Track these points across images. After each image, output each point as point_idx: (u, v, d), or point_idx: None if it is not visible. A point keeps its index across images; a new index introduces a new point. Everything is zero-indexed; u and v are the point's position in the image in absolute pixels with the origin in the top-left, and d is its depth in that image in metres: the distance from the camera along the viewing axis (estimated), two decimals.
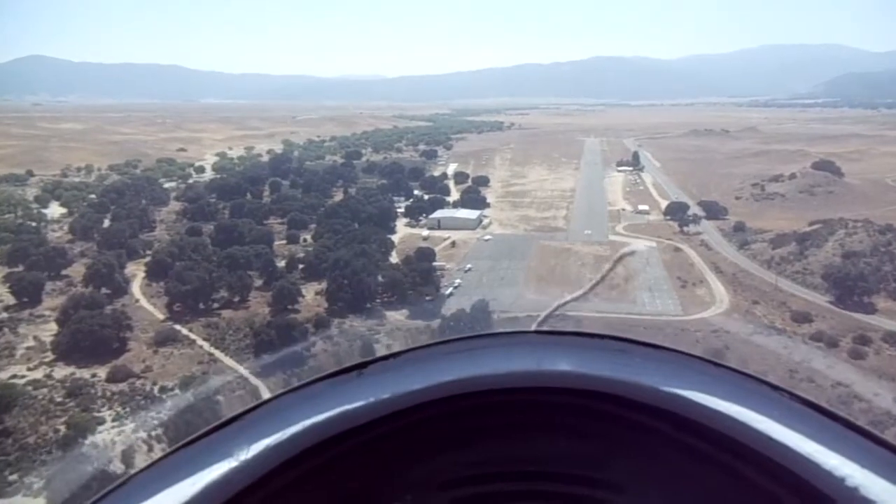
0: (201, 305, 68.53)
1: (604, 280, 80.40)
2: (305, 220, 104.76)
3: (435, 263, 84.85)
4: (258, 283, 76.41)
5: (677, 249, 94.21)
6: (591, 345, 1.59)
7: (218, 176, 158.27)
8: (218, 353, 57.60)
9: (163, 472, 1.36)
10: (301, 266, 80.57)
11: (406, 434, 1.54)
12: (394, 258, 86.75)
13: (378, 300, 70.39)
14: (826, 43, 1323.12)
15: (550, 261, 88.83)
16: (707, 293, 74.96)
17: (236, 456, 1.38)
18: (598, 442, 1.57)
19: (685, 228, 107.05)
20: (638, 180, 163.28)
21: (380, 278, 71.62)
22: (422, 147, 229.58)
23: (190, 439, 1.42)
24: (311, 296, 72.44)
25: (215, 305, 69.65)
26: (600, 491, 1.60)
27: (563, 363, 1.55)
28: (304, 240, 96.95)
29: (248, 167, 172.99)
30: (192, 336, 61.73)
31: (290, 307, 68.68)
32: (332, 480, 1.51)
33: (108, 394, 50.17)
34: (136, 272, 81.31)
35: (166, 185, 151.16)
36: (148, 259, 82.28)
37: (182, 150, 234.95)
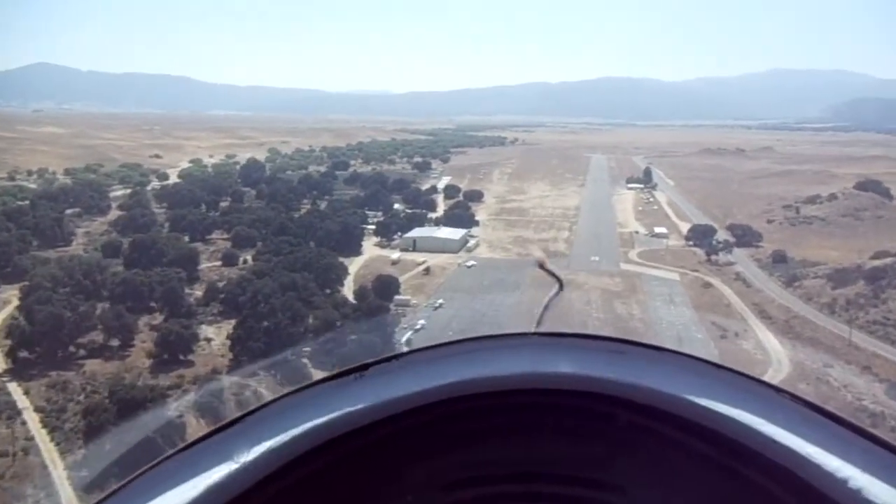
0: (60, 353, 49.67)
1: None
2: (254, 237, 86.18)
3: (398, 297, 66.15)
4: (158, 319, 57.81)
5: (707, 285, 75.22)
6: (591, 346, 1.59)
7: (171, 183, 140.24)
8: (40, 437, 38.54)
9: (164, 475, 1.36)
10: (222, 296, 61.83)
11: (407, 436, 1.54)
12: (347, 288, 68.04)
13: (308, 349, 51.45)
14: (832, 68, 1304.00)
15: (543, 294, 69.65)
16: (756, 348, 55.73)
17: (237, 458, 1.38)
18: (598, 444, 1.57)
19: (713, 257, 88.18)
20: (651, 199, 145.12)
21: (311, 319, 52.71)
22: (417, 159, 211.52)
23: (191, 442, 1.41)
24: (221, 340, 53.70)
25: (81, 353, 50.82)
26: (602, 493, 1.59)
27: (563, 365, 1.55)
28: (245, 261, 78.25)
29: (212, 175, 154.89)
30: (23, 403, 42.78)
31: (182, 357, 49.87)
32: (333, 483, 1.50)
33: None
34: (11, 299, 62.72)
35: (118, 193, 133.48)
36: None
37: (157, 156, 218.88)
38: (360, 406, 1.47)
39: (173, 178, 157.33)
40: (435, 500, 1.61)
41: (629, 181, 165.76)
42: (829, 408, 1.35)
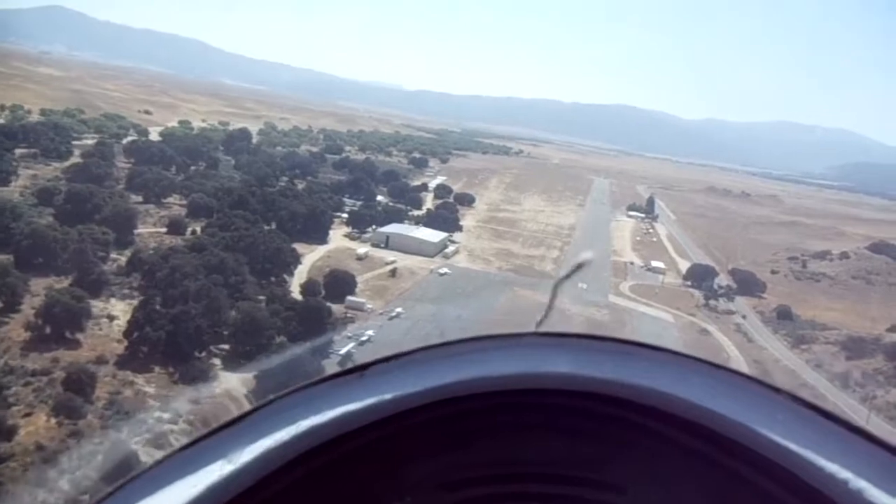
0: None
1: None
2: (212, 207, 77.28)
3: (351, 298, 57.41)
4: (65, 284, 48.79)
5: (704, 332, 66.89)
6: (592, 347, 1.55)
7: (145, 139, 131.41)
8: None
9: (164, 474, 1.35)
10: (146, 268, 52.86)
11: (407, 436, 1.52)
12: (296, 280, 59.25)
13: (224, 349, 42.72)
14: (840, 128, 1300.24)
15: (520, 319, 61.10)
16: None
17: (237, 458, 1.37)
18: (599, 444, 1.56)
19: (711, 302, 79.96)
20: (650, 230, 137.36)
21: (233, 312, 43.82)
22: (415, 155, 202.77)
23: (191, 441, 1.40)
24: (126, 320, 44.70)
25: None
26: (602, 493, 1.58)
27: (564, 365, 1.52)
28: (193, 232, 69.41)
29: (194, 138, 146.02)
30: None
31: (70, 335, 40.97)
32: (332, 482, 1.50)
33: None
34: None
35: (87, 141, 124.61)
36: None
37: (146, 112, 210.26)
38: (359, 406, 1.45)
39: (154, 136, 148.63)
40: (435, 499, 1.59)
41: (630, 209, 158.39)
42: (829, 409, 1.33)
